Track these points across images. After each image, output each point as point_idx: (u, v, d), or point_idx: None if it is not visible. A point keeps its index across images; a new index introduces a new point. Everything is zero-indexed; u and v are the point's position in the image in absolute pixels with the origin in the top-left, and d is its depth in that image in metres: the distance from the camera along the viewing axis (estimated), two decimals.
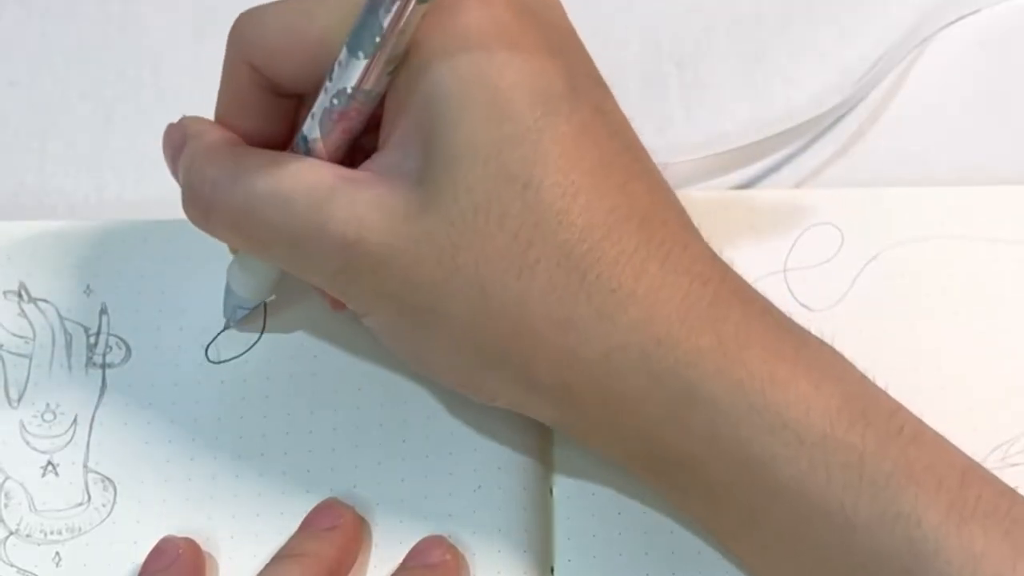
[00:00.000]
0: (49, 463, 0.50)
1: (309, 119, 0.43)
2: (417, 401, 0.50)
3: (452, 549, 0.47)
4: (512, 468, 0.49)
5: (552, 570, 0.47)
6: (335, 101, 0.42)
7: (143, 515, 0.49)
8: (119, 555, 0.48)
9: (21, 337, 0.52)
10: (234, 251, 0.49)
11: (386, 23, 0.40)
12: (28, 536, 0.49)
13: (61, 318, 0.52)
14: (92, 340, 0.52)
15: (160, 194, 0.57)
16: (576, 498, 0.48)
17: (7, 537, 0.49)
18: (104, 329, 0.52)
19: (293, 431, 0.50)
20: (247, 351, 0.52)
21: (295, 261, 0.44)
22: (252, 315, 0.51)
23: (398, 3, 0.39)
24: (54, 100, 0.59)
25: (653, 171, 0.43)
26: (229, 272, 0.50)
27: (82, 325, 0.52)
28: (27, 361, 0.52)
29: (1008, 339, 0.51)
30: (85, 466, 0.50)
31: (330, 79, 0.42)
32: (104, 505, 0.49)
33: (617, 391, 0.41)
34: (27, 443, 0.50)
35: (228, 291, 0.50)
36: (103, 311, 0.53)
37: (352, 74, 0.41)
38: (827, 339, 0.43)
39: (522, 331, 0.41)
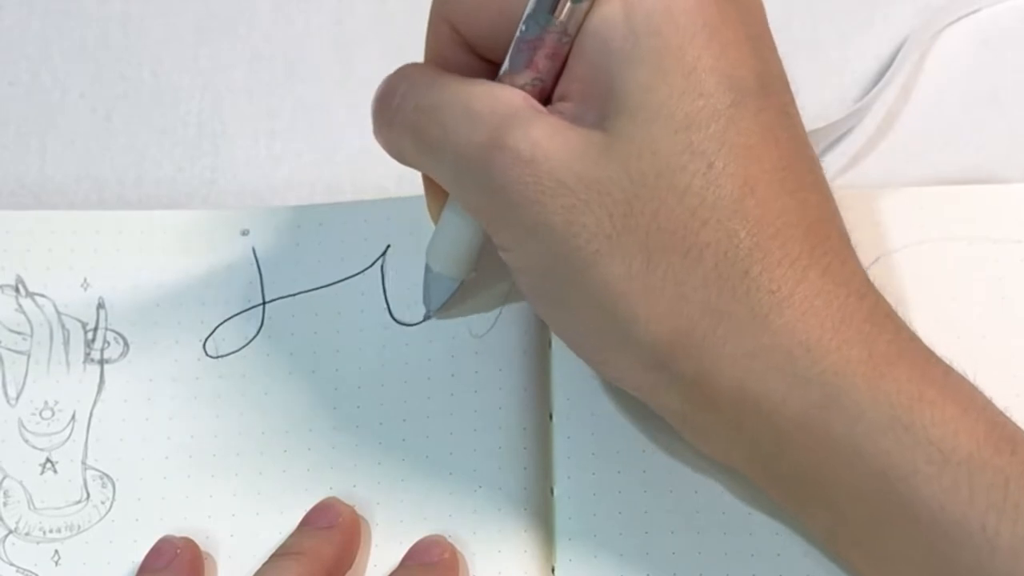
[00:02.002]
0: (48, 460, 0.50)
1: (504, 62, 0.43)
2: (417, 400, 0.50)
3: (451, 548, 0.47)
4: (512, 468, 0.48)
5: (553, 570, 0.47)
6: (524, 28, 0.42)
7: (142, 513, 0.49)
8: (118, 553, 0.48)
9: (18, 333, 0.52)
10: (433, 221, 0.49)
11: None
12: (27, 534, 0.49)
13: (59, 313, 0.52)
14: (90, 335, 0.52)
15: (160, 194, 0.57)
16: (577, 498, 0.48)
17: (6, 536, 0.49)
18: (102, 324, 0.52)
19: (292, 429, 0.50)
20: (246, 346, 0.52)
21: (462, 174, 0.43)
22: (448, 301, 0.51)
23: None
24: (54, 100, 0.59)
25: (823, 183, 0.44)
26: (429, 254, 0.49)
27: (79, 320, 0.52)
28: (25, 358, 0.52)
29: (1013, 340, 0.51)
30: (83, 463, 0.50)
31: (523, 30, 0.42)
32: (103, 503, 0.49)
33: (755, 391, 0.41)
34: (26, 441, 0.50)
35: (428, 276, 0.50)
36: (100, 305, 0.53)
37: (545, 40, 0.42)
38: None
39: (673, 314, 0.41)
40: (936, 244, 0.48)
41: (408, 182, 0.56)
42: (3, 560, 0.48)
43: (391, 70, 0.59)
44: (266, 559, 0.46)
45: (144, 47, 0.60)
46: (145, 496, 0.49)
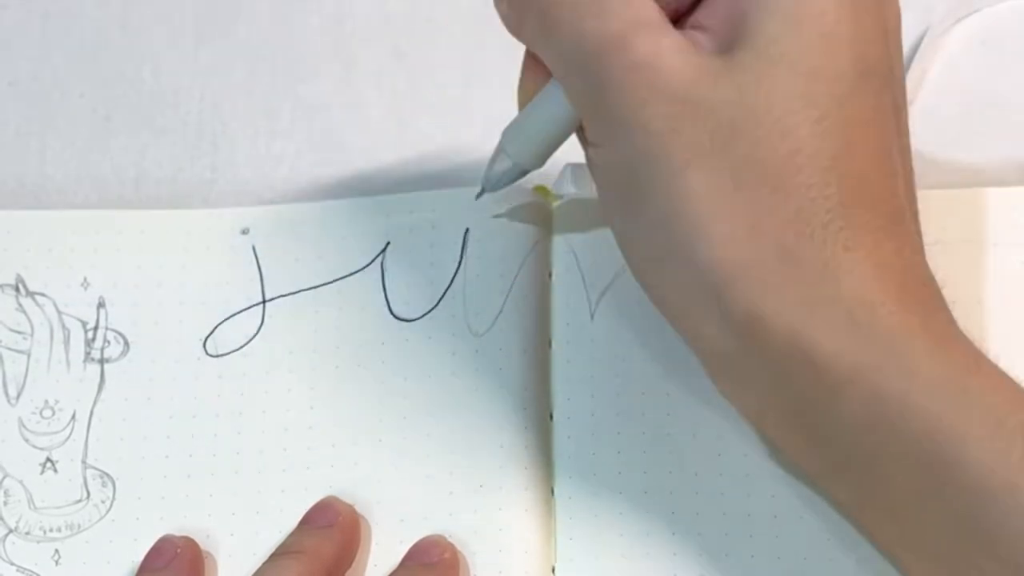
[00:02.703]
0: (48, 460, 0.50)
1: None
2: (418, 398, 0.50)
3: (451, 548, 0.47)
4: (513, 468, 0.48)
5: (553, 570, 0.47)
6: None
7: (142, 512, 0.49)
8: (118, 552, 0.48)
9: (19, 332, 0.52)
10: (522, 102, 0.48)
11: None
12: (27, 534, 0.49)
13: (59, 312, 0.52)
14: (90, 335, 0.52)
15: (160, 194, 0.57)
16: (577, 498, 0.48)
17: (7, 535, 0.49)
18: (102, 323, 0.52)
19: (292, 427, 0.50)
20: (246, 344, 0.52)
21: (581, 62, 0.43)
22: (506, 188, 0.50)
23: None
24: (54, 100, 0.59)
25: (912, 182, 0.45)
26: (506, 134, 0.48)
27: (80, 319, 0.52)
28: (25, 357, 0.52)
29: (1013, 343, 0.51)
30: (84, 462, 0.50)
31: None
32: (103, 502, 0.49)
33: (810, 339, 0.41)
34: (26, 440, 0.50)
35: (498, 154, 0.49)
36: (101, 304, 0.53)
37: None
38: None
39: (743, 243, 0.41)
40: (935, 248, 0.48)
41: (408, 182, 0.57)
42: (3, 559, 0.49)
43: (391, 70, 0.59)
44: (266, 558, 0.46)
45: (144, 47, 0.60)
46: (145, 495, 0.49)
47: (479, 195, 0.50)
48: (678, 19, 0.43)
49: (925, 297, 0.42)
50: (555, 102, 0.46)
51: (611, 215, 0.45)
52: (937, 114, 0.58)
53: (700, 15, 0.43)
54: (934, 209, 0.53)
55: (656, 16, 0.42)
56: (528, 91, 0.48)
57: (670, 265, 0.43)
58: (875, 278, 0.41)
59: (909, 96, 0.58)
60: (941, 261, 0.51)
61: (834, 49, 0.41)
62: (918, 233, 0.44)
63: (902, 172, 0.43)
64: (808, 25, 0.41)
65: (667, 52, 0.41)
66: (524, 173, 0.49)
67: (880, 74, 0.42)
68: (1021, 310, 0.51)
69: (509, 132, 0.48)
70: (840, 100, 0.41)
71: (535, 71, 0.47)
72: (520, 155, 0.48)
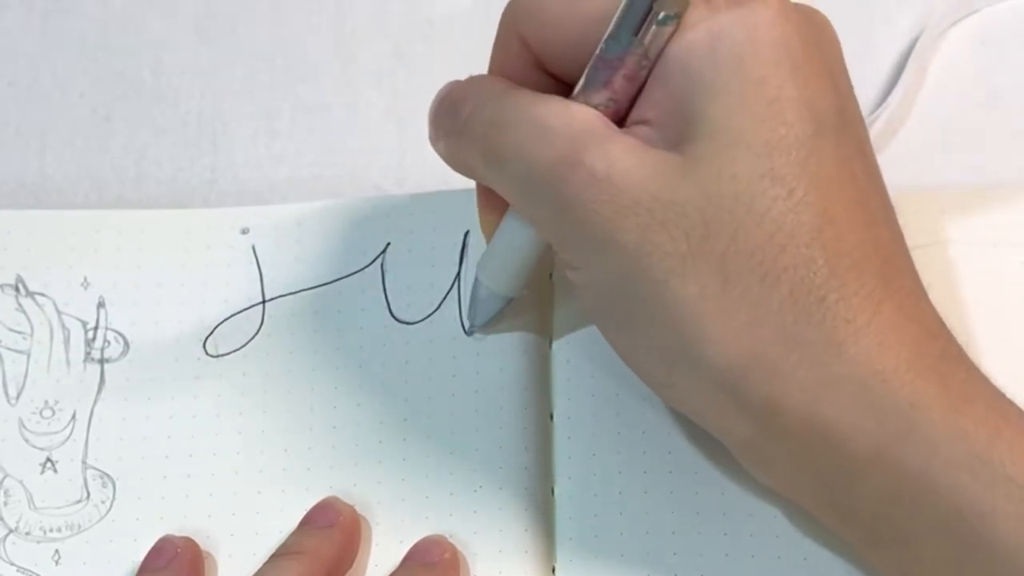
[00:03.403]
0: (48, 460, 0.50)
1: (579, 83, 0.43)
2: (418, 399, 0.50)
3: (452, 548, 0.47)
4: (513, 468, 0.48)
5: (553, 570, 0.47)
6: (604, 47, 0.42)
7: (142, 512, 0.49)
8: (118, 553, 0.48)
9: (19, 332, 0.52)
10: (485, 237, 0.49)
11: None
12: (28, 534, 0.49)
13: (59, 312, 0.52)
14: (90, 335, 0.52)
15: (160, 194, 0.57)
16: (577, 499, 0.48)
17: (7, 535, 0.49)
18: (102, 323, 0.52)
19: (293, 428, 0.50)
20: (246, 345, 0.52)
21: (533, 190, 0.43)
22: (492, 319, 0.51)
23: None
24: (54, 100, 0.59)
25: (894, 221, 0.44)
26: (480, 268, 0.49)
27: (80, 319, 0.52)
28: (25, 357, 0.52)
29: (1013, 344, 0.51)
30: (84, 462, 0.50)
31: (602, 51, 0.42)
32: (103, 502, 0.49)
33: (827, 420, 0.41)
34: (26, 440, 0.50)
35: (477, 290, 0.50)
36: (101, 304, 0.53)
37: (627, 21, 0.41)
38: None
39: (746, 337, 0.41)
40: (936, 248, 0.48)
41: (408, 182, 0.57)
42: (3, 559, 0.48)
43: (391, 70, 0.59)
44: (266, 558, 0.46)
45: (144, 47, 0.60)
46: (145, 495, 0.49)
47: (469, 332, 0.51)
48: (622, 117, 0.43)
49: (937, 356, 0.41)
50: (519, 230, 0.46)
51: (606, 332, 0.45)
52: (936, 114, 0.58)
53: (641, 109, 0.43)
54: (933, 210, 0.53)
55: (599, 124, 0.42)
56: (490, 222, 0.48)
57: (678, 369, 0.42)
58: (882, 346, 0.40)
59: (909, 96, 0.58)
60: (940, 262, 0.52)
61: (784, 115, 0.41)
62: (914, 278, 0.43)
63: (882, 214, 0.43)
64: (752, 97, 0.41)
65: (620, 161, 0.41)
66: (509, 301, 0.49)
67: (835, 123, 0.42)
68: (1021, 311, 0.51)
69: (482, 266, 0.49)
70: (803, 167, 0.41)
71: (491, 201, 0.47)
72: (499, 287, 0.49)
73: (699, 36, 0.41)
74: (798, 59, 0.41)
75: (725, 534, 0.47)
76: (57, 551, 0.49)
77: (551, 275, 0.52)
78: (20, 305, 0.52)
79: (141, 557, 0.47)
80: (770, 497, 0.47)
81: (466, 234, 0.52)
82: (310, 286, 0.52)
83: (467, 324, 0.51)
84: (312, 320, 0.52)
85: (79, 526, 0.49)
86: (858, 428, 0.40)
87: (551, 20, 0.44)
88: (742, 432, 0.42)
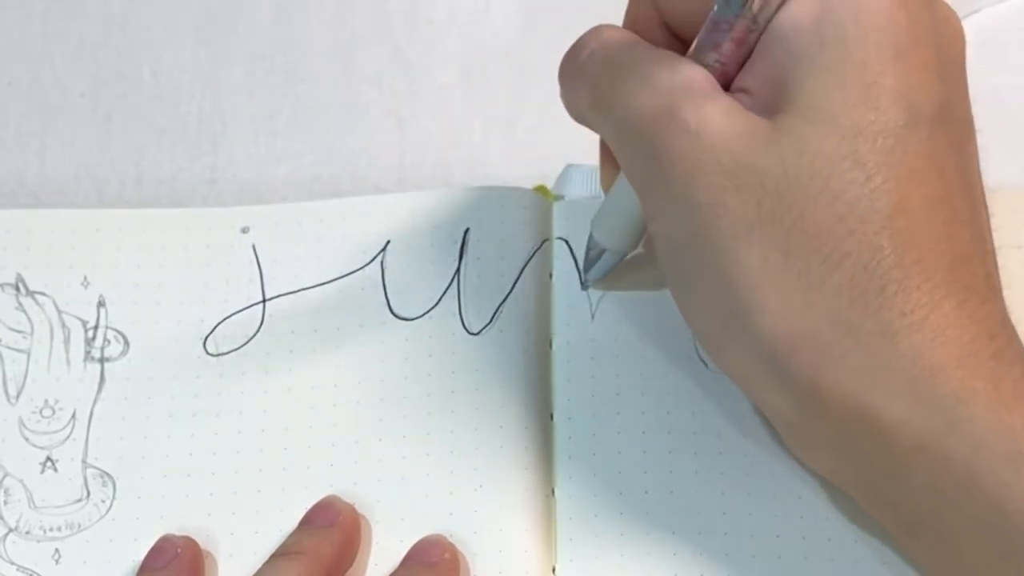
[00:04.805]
0: (48, 459, 0.50)
1: (694, 43, 0.43)
2: (418, 398, 0.50)
3: (452, 548, 0.47)
4: (514, 468, 0.48)
5: (554, 570, 0.47)
6: (716, 8, 0.42)
7: (142, 511, 0.49)
8: (118, 552, 0.48)
9: (19, 332, 0.52)
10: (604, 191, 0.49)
11: None
12: (28, 533, 0.49)
13: (59, 311, 0.52)
14: (90, 334, 0.52)
15: (160, 194, 0.57)
16: (578, 498, 0.48)
17: (7, 534, 0.49)
18: (102, 322, 0.52)
19: (293, 426, 0.50)
20: (246, 344, 0.52)
21: (629, 136, 0.43)
22: (606, 277, 0.51)
23: None
24: (54, 100, 0.59)
25: (982, 222, 0.43)
26: (594, 224, 0.49)
27: (80, 318, 0.52)
28: (25, 356, 0.52)
29: None
30: (84, 461, 0.50)
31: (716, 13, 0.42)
32: (103, 501, 0.49)
33: (873, 407, 0.41)
34: (26, 439, 0.50)
35: (591, 246, 0.50)
36: (101, 303, 0.53)
37: (734, 30, 0.42)
38: None
39: (799, 315, 0.41)
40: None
41: (408, 182, 0.57)
42: (3, 559, 0.48)
43: (391, 70, 0.59)
44: (266, 557, 0.46)
45: (144, 47, 0.60)
46: (145, 494, 0.49)
47: (584, 286, 0.51)
48: (728, 81, 0.43)
49: (990, 355, 0.41)
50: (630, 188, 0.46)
51: (672, 286, 0.45)
52: None
53: (744, 77, 0.43)
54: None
55: (704, 82, 0.42)
56: (607, 179, 0.48)
57: (730, 335, 0.42)
58: (935, 342, 0.40)
59: None
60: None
61: (878, 101, 0.41)
62: (989, 280, 0.43)
63: (966, 213, 0.42)
64: (850, 79, 0.41)
65: (713, 118, 0.41)
66: (622, 257, 0.50)
67: (931, 117, 0.41)
68: (1021, 312, 0.51)
69: (596, 222, 0.49)
70: (886, 155, 0.41)
71: (609, 158, 0.47)
72: (611, 242, 0.49)
73: (807, 10, 0.41)
74: (903, 48, 0.41)
75: (725, 534, 0.47)
76: (57, 550, 0.49)
77: (551, 275, 0.52)
78: (20, 304, 0.52)
79: (141, 556, 0.47)
80: (771, 497, 0.47)
81: (466, 232, 0.52)
82: (310, 285, 0.52)
83: (582, 278, 0.51)
84: (312, 319, 0.52)
85: (79, 525, 0.49)
86: (904, 419, 0.40)
87: None
88: (785, 410, 0.42)
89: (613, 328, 0.51)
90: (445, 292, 0.51)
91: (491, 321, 0.51)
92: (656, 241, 0.44)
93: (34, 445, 0.50)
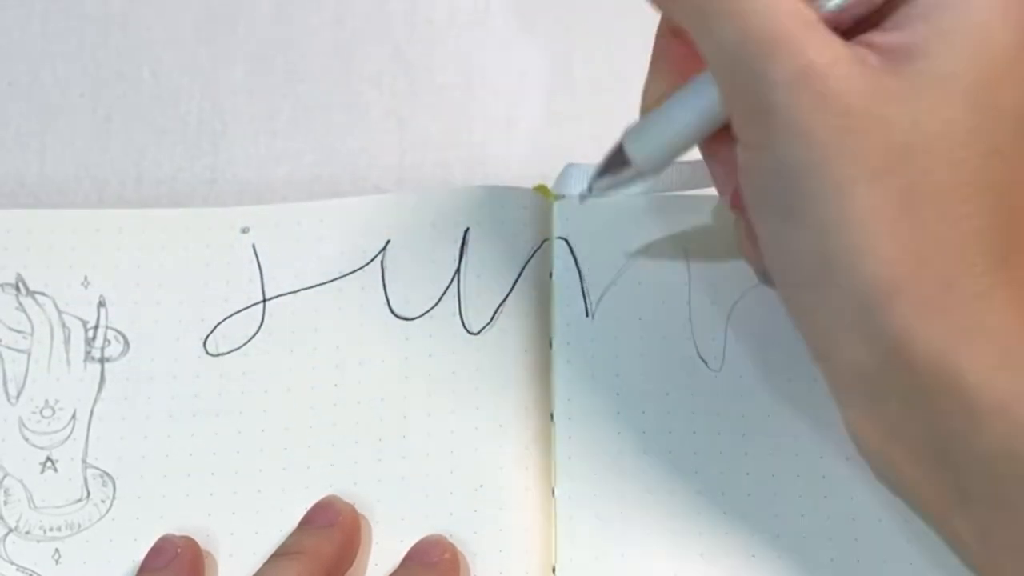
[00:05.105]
0: (48, 459, 0.50)
1: None
2: (418, 398, 0.50)
3: (452, 548, 0.47)
4: (514, 468, 0.49)
5: (553, 570, 0.47)
6: None
7: (142, 511, 0.49)
8: (118, 552, 0.48)
9: (19, 332, 0.52)
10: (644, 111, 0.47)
11: None
12: (28, 533, 0.49)
13: (59, 311, 0.52)
14: (90, 334, 0.52)
15: (160, 194, 0.57)
16: (578, 498, 0.48)
17: (7, 534, 0.49)
18: (102, 322, 0.52)
19: (293, 426, 0.50)
20: (246, 344, 0.52)
21: (743, 59, 0.41)
22: (609, 189, 0.48)
23: None
24: (54, 100, 0.59)
25: None
26: (630, 137, 0.46)
27: (80, 318, 0.52)
28: (25, 356, 0.52)
29: None
30: (84, 461, 0.50)
31: None
32: (103, 501, 0.49)
33: (959, 367, 0.40)
34: (26, 440, 0.50)
35: (615, 155, 0.46)
36: (101, 303, 0.53)
37: None
38: None
39: (905, 263, 0.40)
40: None
41: (408, 182, 0.57)
42: (3, 559, 0.49)
43: (391, 70, 0.59)
44: (266, 557, 0.46)
45: (144, 47, 0.60)
46: (145, 494, 0.49)
47: (583, 199, 0.48)
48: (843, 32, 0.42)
49: None
50: (694, 103, 0.44)
51: (761, 221, 0.44)
52: None
53: (871, 34, 0.42)
54: None
55: (820, 23, 0.41)
56: (655, 93, 0.46)
57: (822, 277, 0.42)
58: None
59: None
60: None
61: (1012, 85, 0.41)
62: None
63: None
64: (988, 60, 0.40)
65: (842, 61, 0.40)
66: (637, 180, 0.47)
67: None
68: None
69: (633, 136, 0.46)
70: (1013, 136, 0.40)
71: (665, 72, 0.46)
72: (645, 159, 0.46)
73: None
74: None
75: (726, 533, 0.47)
76: (57, 550, 0.49)
77: (551, 275, 0.52)
78: (20, 304, 0.52)
79: (141, 556, 0.48)
80: (771, 495, 0.47)
81: (466, 232, 0.52)
82: (310, 285, 0.52)
83: (586, 186, 0.48)
84: (312, 319, 0.52)
85: (79, 525, 0.49)
86: (987, 382, 0.40)
87: None
88: (861, 359, 0.42)
89: (613, 328, 0.51)
90: (445, 292, 0.51)
91: (491, 321, 0.51)
92: (748, 172, 0.43)
93: (34, 445, 0.50)
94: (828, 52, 0.41)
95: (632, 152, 0.45)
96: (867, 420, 0.43)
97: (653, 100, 0.46)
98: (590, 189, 0.47)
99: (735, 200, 0.46)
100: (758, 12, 0.41)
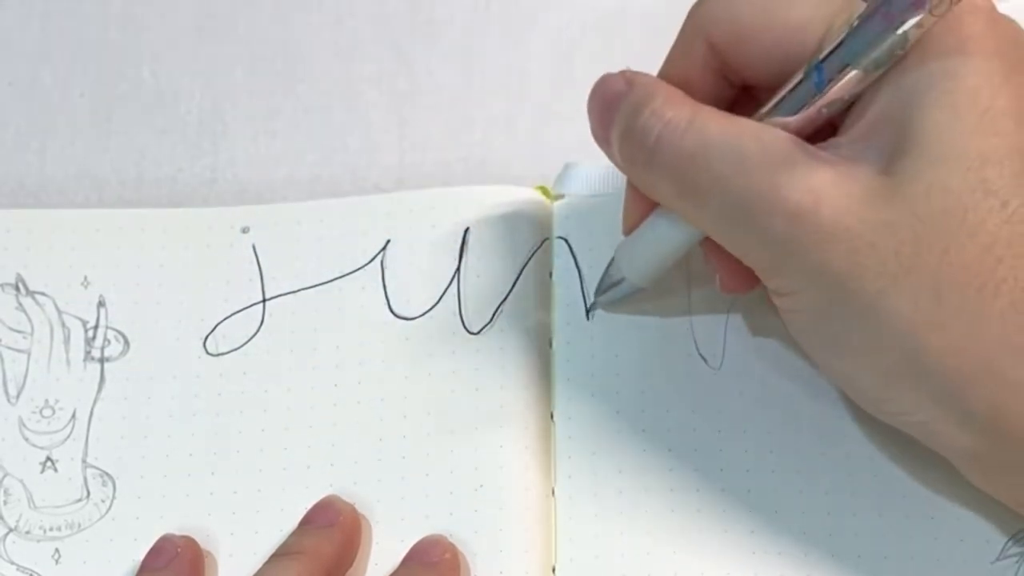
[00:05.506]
0: (48, 459, 0.50)
1: (773, 100, 0.43)
2: (418, 397, 0.50)
3: (452, 548, 0.47)
4: (514, 468, 0.48)
5: (553, 570, 0.47)
6: (814, 75, 0.42)
7: (142, 511, 0.49)
8: (118, 552, 0.48)
9: (19, 332, 0.52)
10: (626, 233, 0.48)
11: (906, 41, 0.40)
12: (28, 533, 0.49)
13: (59, 311, 0.52)
14: (90, 334, 0.52)
15: (160, 194, 0.57)
16: (578, 498, 0.48)
17: (6, 534, 0.49)
18: (102, 322, 0.52)
19: (293, 426, 0.50)
20: (246, 343, 0.52)
21: (733, 222, 0.43)
22: (616, 303, 0.51)
23: (917, 21, 0.40)
24: (54, 100, 0.59)
25: None
26: (620, 254, 0.49)
27: (80, 318, 0.52)
28: (25, 356, 0.52)
29: None
30: (84, 461, 0.50)
31: (808, 75, 0.42)
32: (103, 501, 0.49)
33: None
34: (26, 439, 0.50)
35: (610, 272, 0.50)
36: (101, 303, 0.53)
37: (841, 86, 0.41)
38: None
39: (968, 348, 0.40)
40: None
41: (408, 182, 0.57)
42: (3, 559, 0.49)
43: (391, 70, 0.59)
44: (267, 557, 0.46)
45: (144, 47, 0.60)
46: (145, 494, 0.49)
47: (590, 312, 0.51)
48: (824, 133, 0.43)
49: None
50: (668, 229, 0.46)
51: (816, 354, 0.44)
52: None
53: (848, 127, 0.42)
54: None
55: (796, 150, 0.41)
56: (633, 216, 0.47)
57: (896, 384, 0.42)
58: None
59: None
60: None
61: (996, 126, 0.40)
62: None
63: None
64: (964, 109, 0.40)
65: (824, 189, 0.41)
66: (639, 290, 0.49)
67: None
68: None
69: (623, 254, 0.49)
70: (1018, 178, 0.40)
71: (638, 198, 0.47)
72: (636, 276, 0.48)
73: (912, 55, 0.41)
74: (1010, 69, 0.41)
75: (725, 531, 0.47)
76: (57, 550, 0.49)
77: (551, 275, 0.52)
78: (20, 304, 0.52)
79: (141, 556, 0.48)
80: (771, 492, 0.47)
81: (465, 231, 0.52)
82: (310, 285, 0.52)
83: (591, 301, 0.51)
84: (312, 318, 0.52)
85: (79, 525, 0.49)
86: None
87: (747, 27, 0.43)
88: (966, 443, 0.42)
89: (613, 328, 0.51)
90: (445, 292, 0.51)
91: (491, 321, 0.51)
92: (787, 314, 0.44)
93: (34, 445, 0.50)
94: (808, 187, 0.41)
95: (625, 271, 0.48)
96: (998, 493, 0.44)
97: (632, 221, 0.48)
98: (592, 308, 0.51)
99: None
100: (731, 177, 0.42)
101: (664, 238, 0.47)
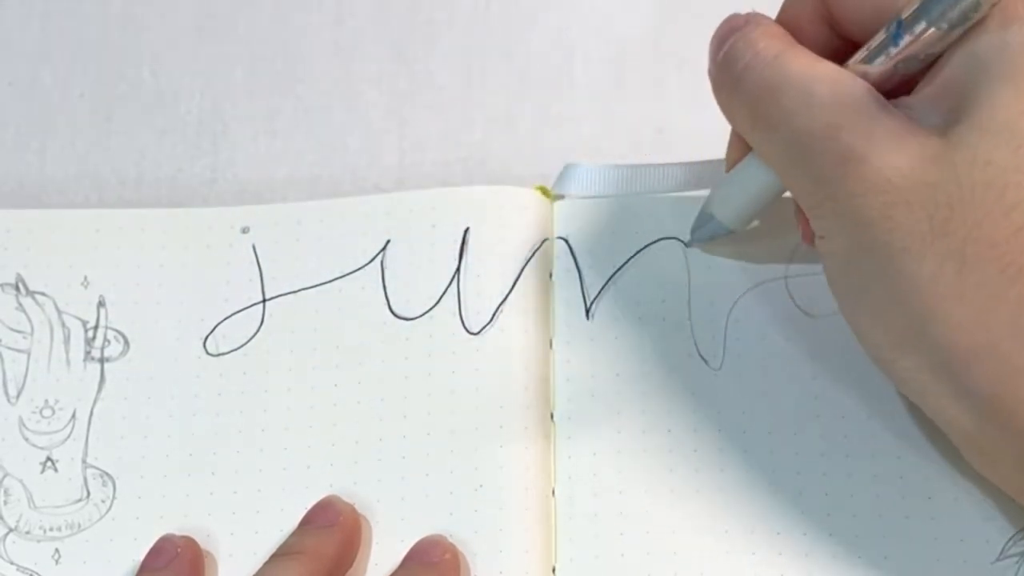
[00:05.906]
0: (48, 459, 0.50)
1: (861, 52, 0.43)
2: (418, 397, 0.50)
3: (452, 548, 0.47)
4: (513, 468, 0.48)
5: (553, 570, 0.47)
6: (902, 22, 0.42)
7: (142, 511, 0.49)
8: (118, 552, 0.48)
9: (19, 332, 0.52)
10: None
11: (979, 4, 0.41)
12: (28, 533, 0.49)
13: (59, 311, 0.52)
14: (90, 334, 0.52)
15: (160, 194, 0.57)
16: (578, 498, 0.48)
17: (7, 534, 0.49)
18: (102, 322, 0.52)
19: (293, 426, 0.50)
20: (246, 343, 0.52)
21: (793, 158, 0.43)
22: (712, 243, 0.51)
23: None
24: (54, 100, 0.59)
25: None
26: (712, 198, 0.49)
27: (80, 318, 0.52)
28: (25, 356, 0.52)
29: None
30: (84, 461, 0.50)
31: (889, 29, 0.42)
32: (103, 501, 0.49)
33: None
34: (26, 439, 0.50)
35: (704, 215, 0.50)
36: (101, 303, 0.53)
37: (916, 42, 0.42)
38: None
39: (978, 326, 0.40)
40: None
41: (408, 182, 0.57)
42: (3, 559, 0.49)
43: (391, 70, 0.59)
44: (267, 557, 0.46)
45: (144, 47, 0.60)
46: (145, 494, 0.49)
47: (688, 244, 0.52)
48: (894, 87, 0.43)
49: None
50: (759, 174, 0.47)
51: (841, 301, 0.44)
52: None
53: (920, 87, 0.43)
54: None
55: (867, 99, 0.42)
56: (734, 156, 0.48)
57: (905, 347, 0.42)
58: None
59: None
60: None
61: None
62: None
63: None
64: None
65: (879, 141, 0.41)
66: (728, 232, 0.49)
67: None
68: None
69: (715, 197, 0.49)
70: None
71: (740, 138, 0.47)
72: (727, 218, 0.49)
73: (991, 23, 0.41)
74: None
75: (725, 531, 0.47)
76: (57, 550, 0.49)
77: (551, 275, 0.52)
78: (20, 304, 0.52)
79: (141, 556, 0.48)
80: (772, 493, 0.47)
81: (465, 231, 0.52)
82: (310, 285, 0.52)
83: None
84: (312, 319, 0.52)
85: (79, 525, 0.49)
86: None
87: None
88: (963, 422, 0.42)
89: (613, 328, 0.51)
90: (445, 292, 0.51)
91: (491, 321, 0.51)
92: (824, 257, 0.44)
93: (34, 445, 0.50)
94: (866, 134, 0.41)
95: (716, 213, 0.49)
96: (990, 473, 0.44)
97: (733, 159, 0.48)
98: (690, 242, 0.52)
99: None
100: (798, 114, 0.42)
101: (751, 180, 0.47)
